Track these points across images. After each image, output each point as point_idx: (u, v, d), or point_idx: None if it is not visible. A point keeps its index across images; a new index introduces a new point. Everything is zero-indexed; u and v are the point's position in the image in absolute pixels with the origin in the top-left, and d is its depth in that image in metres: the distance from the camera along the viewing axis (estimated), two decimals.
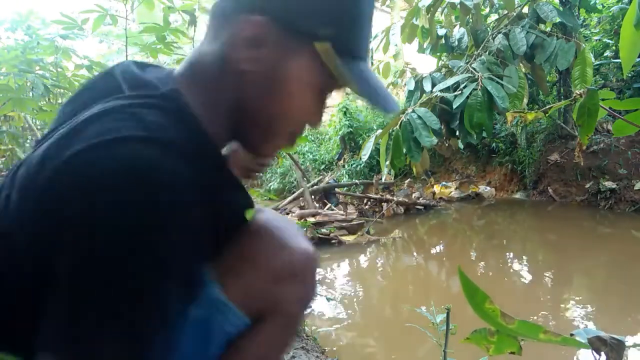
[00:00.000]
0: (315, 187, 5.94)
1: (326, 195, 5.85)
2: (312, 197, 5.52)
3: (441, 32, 5.29)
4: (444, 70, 4.97)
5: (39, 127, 3.72)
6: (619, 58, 4.04)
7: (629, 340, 2.19)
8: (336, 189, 6.03)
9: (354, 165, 7.55)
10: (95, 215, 0.44)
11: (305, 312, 0.67)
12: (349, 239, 4.48)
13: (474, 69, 4.08)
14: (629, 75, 5.57)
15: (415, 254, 4.34)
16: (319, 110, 0.64)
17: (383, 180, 5.89)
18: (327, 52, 0.57)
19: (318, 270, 0.68)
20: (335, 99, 10.95)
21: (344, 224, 4.69)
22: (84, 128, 0.49)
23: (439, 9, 5.12)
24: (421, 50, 5.62)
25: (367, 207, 5.80)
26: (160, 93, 0.54)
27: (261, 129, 0.62)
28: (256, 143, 0.64)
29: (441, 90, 4.02)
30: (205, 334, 0.59)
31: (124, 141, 0.46)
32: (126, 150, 0.46)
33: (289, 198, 5.69)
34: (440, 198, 6.56)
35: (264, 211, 0.69)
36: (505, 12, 5.17)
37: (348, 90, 0.66)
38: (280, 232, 0.65)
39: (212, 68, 0.59)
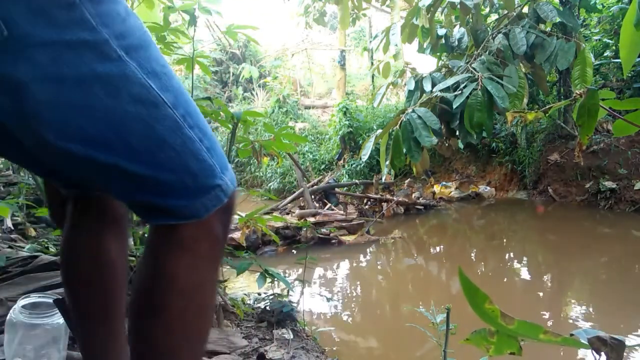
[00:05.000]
0: (315, 187, 5.93)
1: (326, 195, 5.84)
2: (312, 197, 5.52)
3: (441, 32, 5.29)
4: (444, 70, 4.97)
5: None
6: (619, 58, 4.04)
7: (629, 341, 2.19)
8: (336, 189, 6.02)
9: (354, 165, 7.54)
10: None
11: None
12: (349, 239, 4.47)
13: (474, 69, 4.08)
14: (629, 75, 5.56)
15: (415, 254, 4.34)
16: None
17: (383, 180, 5.88)
18: None
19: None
20: (336, 99, 10.93)
21: (344, 224, 4.68)
22: None
23: (439, 9, 5.13)
24: (421, 50, 5.63)
25: (367, 207, 5.79)
26: None
27: None
28: None
29: (441, 90, 4.02)
30: None
31: None
32: None
33: (289, 198, 5.68)
34: (440, 198, 6.56)
35: None
36: (505, 12, 5.17)
37: None
38: None
39: None
